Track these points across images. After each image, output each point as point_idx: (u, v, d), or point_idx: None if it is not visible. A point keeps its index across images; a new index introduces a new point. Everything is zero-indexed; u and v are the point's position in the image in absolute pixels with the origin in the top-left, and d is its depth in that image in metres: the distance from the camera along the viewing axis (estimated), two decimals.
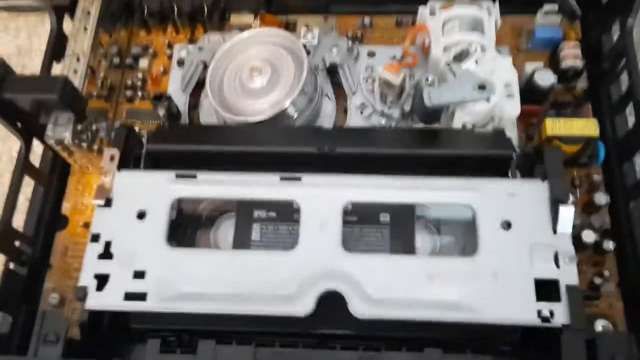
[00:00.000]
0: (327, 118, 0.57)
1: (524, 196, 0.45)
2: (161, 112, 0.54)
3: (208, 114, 0.58)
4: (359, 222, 0.50)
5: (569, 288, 0.41)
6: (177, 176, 0.47)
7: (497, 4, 0.55)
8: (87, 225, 0.56)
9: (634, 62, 0.53)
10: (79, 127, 0.52)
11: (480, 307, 0.41)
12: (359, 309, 0.42)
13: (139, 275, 0.43)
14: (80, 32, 0.56)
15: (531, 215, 0.44)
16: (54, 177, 0.57)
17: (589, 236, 0.50)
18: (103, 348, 0.45)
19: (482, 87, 0.49)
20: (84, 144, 0.53)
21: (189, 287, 0.43)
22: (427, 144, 0.50)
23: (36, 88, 0.49)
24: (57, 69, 0.58)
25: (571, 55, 0.57)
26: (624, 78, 0.55)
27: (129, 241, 0.44)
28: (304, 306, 0.42)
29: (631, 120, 0.54)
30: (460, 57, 0.52)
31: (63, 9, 0.59)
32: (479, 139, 0.49)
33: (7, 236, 0.51)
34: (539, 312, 0.41)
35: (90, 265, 0.44)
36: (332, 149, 0.48)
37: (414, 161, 0.49)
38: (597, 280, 0.51)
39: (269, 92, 0.54)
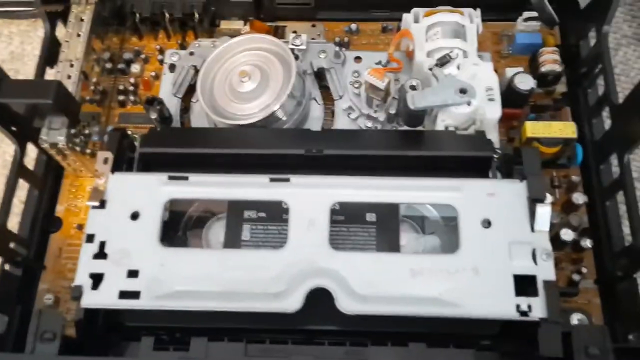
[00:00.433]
0: (315, 121, 0.58)
1: (504, 196, 0.46)
2: (153, 115, 0.55)
3: (199, 118, 0.59)
4: (346, 221, 0.51)
5: (546, 283, 0.43)
6: (170, 178, 0.48)
7: (478, 11, 0.57)
8: (80, 227, 0.57)
9: (609, 67, 0.55)
10: (73, 131, 0.53)
11: (461, 302, 0.43)
12: (346, 305, 0.43)
13: (133, 274, 0.44)
14: (74, 38, 0.57)
15: (510, 213, 0.45)
16: (47, 180, 0.58)
17: (567, 234, 0.52)
18: (98, 346, 0.46)
19: (463, 91, 0.50)
20: (78, 148, 0.55)
21: (182, 285, 0.44)
22: (411, 146, 0.51)
23: (31, 93, 0.50)
24: (50, 74, 0.59)
25: (550, 60, 0.59)
26: (601, 82, 0.57)
27: (122, 241, 0.45)
28: (292, 303, 0.43)
29: (607, 122, 0.56)
30: (443, 62, 0.53)
31: (56, 15, 0.60)
32: (461, 141, 0.51)
33: (3, 238, 0.51)
34: (518, 307, 0.42)
35: (85, 265, 0.45)
36: (320, 151, 0.50)
37: (398, 162, 0.50)
38: (576, 277, 0.53)
39: (259, 96, 0.55)
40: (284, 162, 0.50)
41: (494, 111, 0.52)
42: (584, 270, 0.53)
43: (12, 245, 0.53)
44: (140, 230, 0.46)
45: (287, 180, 0.48)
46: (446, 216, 0.52)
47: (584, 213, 0.56)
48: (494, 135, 0.53)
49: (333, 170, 0.48)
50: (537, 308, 0.42)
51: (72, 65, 0.56)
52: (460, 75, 0.52)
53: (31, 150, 0.55)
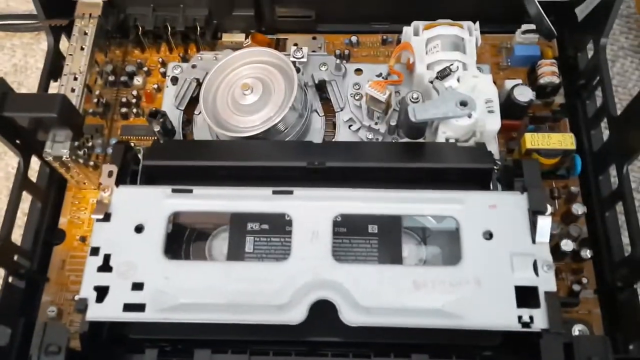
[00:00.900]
0: (316, 133, 0.59)
1: (505, 207, 0.47)
2: (156, 128, 0.55)
3: (201, 130, 0.59)
4: (348, 233, 0.51)
5: (548, 294, 0.43)
6: (174, 191, 0.48)
7: (477, 24, 0.58)
8: (83, 239, 0.57)
9: (607, 79, 0.56)
10: (76, 143, 0.54)
11: (464, 314, 0.43)
12: (350, 317, 0.43)
13: (138, 286, 0.44)
14: (77, 51, 0.58)
15: (511, 225, 0.46)
16: (50, 192, 0.59)
17: (567, 245, 0.52)
18: (102, 358, 0.47)
19: (464, 103, 0.51)
20: (81, 160, 0.55)
21: (186, 298, 0.44)
22: (413, 158, 0.52)
23: (35, 106, 0.50)
24: (53, 87, 0.59)
25: (548, 72, 0.59)
26: (599, 94, 0.58)
27: (127, 254, 0.46)
28: (296, 315, 0.43)
29: (606, 133, 0.57)
30: (444, 75, 0.54)
31: (60, 29, 0.61)
32: (461, 153, 0.51)
33: (6, 250, 0.52)
34: (520, 318, 0.43)
35: (90, 278, 0.45)
36: (322, 163, 0.50)
37: (400, 174, 0.51)
38: (576, 287, 0.53)
39: (261, 109, 0.56)
40: (286, 175, 0.51)
41: (493, 123, 0.53)
42: (584, 280, 0.53)
43: (15, 257, 0.53)
44: (144, 243, 0.46)
45: (290, 192, 0.48)
46: (447, 227, 0.52)
47: (584, 223, 0.56)
48: (493, 147, 0.54)
49: (335, 183, 0.49)
50: (539, 319, 0.43)
51: (75, 79, 0.57)
52: (461, 87, 0.53)
53: (34, 163, 0.55)
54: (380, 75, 0.59)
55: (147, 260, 0.46)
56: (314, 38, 0.65)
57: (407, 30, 0.59)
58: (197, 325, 0.45)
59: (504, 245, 0.45)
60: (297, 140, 0.57)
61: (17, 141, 0.53)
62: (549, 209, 0.46)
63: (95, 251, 0.46)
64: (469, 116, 0.51)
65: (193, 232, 0.54)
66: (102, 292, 0.44)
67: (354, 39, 0.66)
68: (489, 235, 0.46)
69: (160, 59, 0.66)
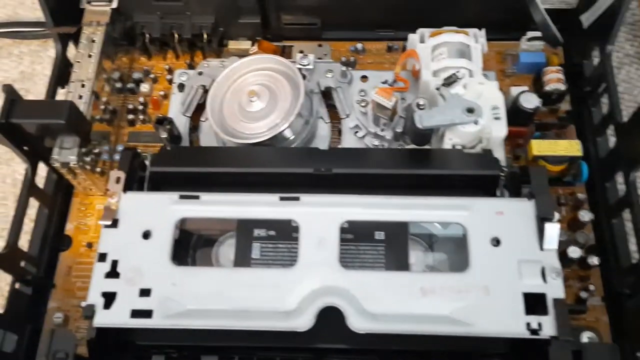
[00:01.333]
0: (322, 139, 0.59)
1: (512, 214, 0.47)
2: (163, 134, 0.56)
3: (207, 136, 0.60)
4: (355, 239, 0.51)
5: (556, 301, 0.43)
6: (181, 197, 0.48)
7: (483, 31, 0.58)
8: (90, 245, 0.57)
9: (613, 86, 0.56)
10: (83, 150, 0.54)
11: (472, 321, 0.43)
12: (357, 323, 0.43)
13: (145, 293, 0.44)
14: (85, 58, 0.58)
15: (519, 232, 0.46)
16: (57, 198, 0.59)
17: (574, 252, 0.52)
18: None
19: (470, 110, 0.51)
20: (88, 167, 0.55)
21: (193, 304, 0.44)
22: (419, 164, 0.52)
23: (43, 113, 0.50)
24: (61, 94, 0.60)
25: (554, 79, 0.59)
26: (605, 101, 0.58)
27: (134, 260, 0.46)
28: (304, 321, 0.43)
29: (612, 140, 0.57)
30: (450, 81, 0.54)
31: (68, 36, 0.61)
32: (468, 159, 0.51)
33: (13, 256, 0.52)
34: (528, 325, 0.43)
35: (98, 284, 0.45)
36: (328, 170, 0.50)
37: (406, 180, 0.51)
38: (583, 294, 0.53)
39: (267, 116, 0.56)
40: (293, 181, 0.51)
41: (500, 130, 0.53)
42: (592, 287, 0.53)
43: (22, 263, 0.53)
44: (152, 249, 0.46)
45: (297, 199, 0.48)
46: (453, 234, 0.52)
47: (590, 230, 0.56)
48: (500, 154, 0.54)
49: (341, 189, 0.49)
50: (548, 326, 0.43)
51: (83, 86, 0.57)
52: (467, 94, 0.53)
53: (41, 169, 0.56)
54: (386, 82, 0.60)
55: (154, 266, 0.46)
56: (320, 45, 0.65)
57: (413, 38, 0.59)
58: (204, 332, 0.45)
59: (512, 252, 0.45)
60: (303, 146, 0.57)
61: (25, 148, 0.53)
62: (557, 215, 0.46)
63: (102, 257, 0.46)
64: (476, 123, 0.51)
65: (200, 238, 0.54)
66: (109, 298, 0.44)
67: (359, 46, 0.66)
68: (496, 242, 0.46)
69: (166, 66, 0.66)
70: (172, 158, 0.53)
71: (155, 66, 0.66)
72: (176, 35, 0.64)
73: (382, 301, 0.44)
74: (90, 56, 0.58)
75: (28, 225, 0.57)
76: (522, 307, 0.43)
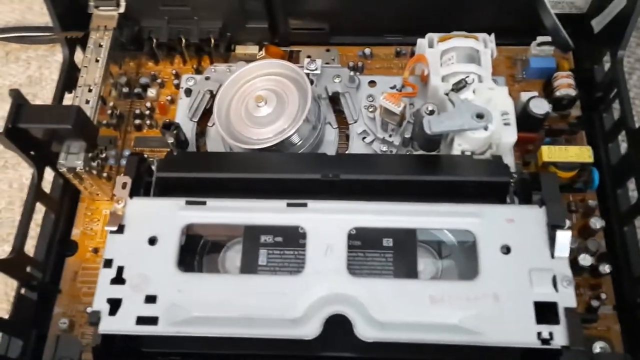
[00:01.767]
0: (329, 145, 0.59)
1: (523, 222, 0.46)
2: (170, 139, 0.55)
3: (214, 142, 0.59)
4: (363, 246, 0.51)
5: (568, 310, 0.43)
6: (187, 203, 0.48)
7: (492, 36, 0.58)
8: (96, 250, 0.57)
9: (625, 91, 0.55)
10: (90, 154, 0.54)
11: (481, 330, 0.42)
12: (365, 332, 0.43)
13: (151, 299, 0.44)
14: (92, 63, 0.58)
15: (530, 240, 0.45)
16: (64, 203, 0.59)
17: (585, 260, 0.51)
18: None
19: (480, 116, 0.50)
20: (94, 171, 0.55)
21: (199, 311, 0.44)
22: (428, 170, 0.51)
23: (51, 118, 0.50)
24: (68, 99, 0.59)
25: (565, 84, 0.59)
26: (616, 106, 0.57)
27: (140, 266, 0.45)
28: (311, 329, 0.43)
29: (624, 146, 0.56)
30: (459, 87, 0.53)
31: (75, 41, 0.61)
32: (477, 166, 0.51)
33: (19, 262, 0.51)
34: (539, 334, 0.42)
35: (103, 290, 0.45)
36: (336, 175, 0.50)
37: (415, 186, 0.50)
38: (595, 303, 0.52)
39: (274, 121, 0.55)
40: (300, 187, 0.50)
41: (509, 135, 0.52)
42: (603, 296, 0.52)
43: (28, 269, 0.53)
44: (158, 256, 0.46)
45: (305, 205, 0.48)
46: (462, 240, 0.52)
47: (602, 238, 0.55)
48: (509, 160, 0.53)
49: (349, 195, 0.48)
50: (559, 336, 0.42)
51: (90, 90, 0.57)
52: (476, 99, 0.53)
53: (48, 174, 0.56)
54: (394, 87, 0.59)
55: (160, 272, 0.45)
56: (328, 50, 0.65)
57: (422, 43, 0.58)
58: (210, 339, 0.44)
59: (522, 260, 0.44)
60: (310, 152, 0.56)
61: (32, 152, 0.53)
62: (568, 223, 0.45)
63: (108, 263, 0.46)
64: (485, 128, 0.51)
65: (206, 244, 0.53)
66: (115, 305, 0.44)
67: (367, 51, 0.66)
68: (506, 250, 0.45)
69: (174, 71, 0.66)
70: (178, 163, 0.53)
71: (163, 71, 0.66)
72: (183, 40, 0.64)
73: (391, 309, 0.43)
74: (97, 61, 0.58)
75: (34, 230, 0.56)
76: (532, 316, 0.43)
